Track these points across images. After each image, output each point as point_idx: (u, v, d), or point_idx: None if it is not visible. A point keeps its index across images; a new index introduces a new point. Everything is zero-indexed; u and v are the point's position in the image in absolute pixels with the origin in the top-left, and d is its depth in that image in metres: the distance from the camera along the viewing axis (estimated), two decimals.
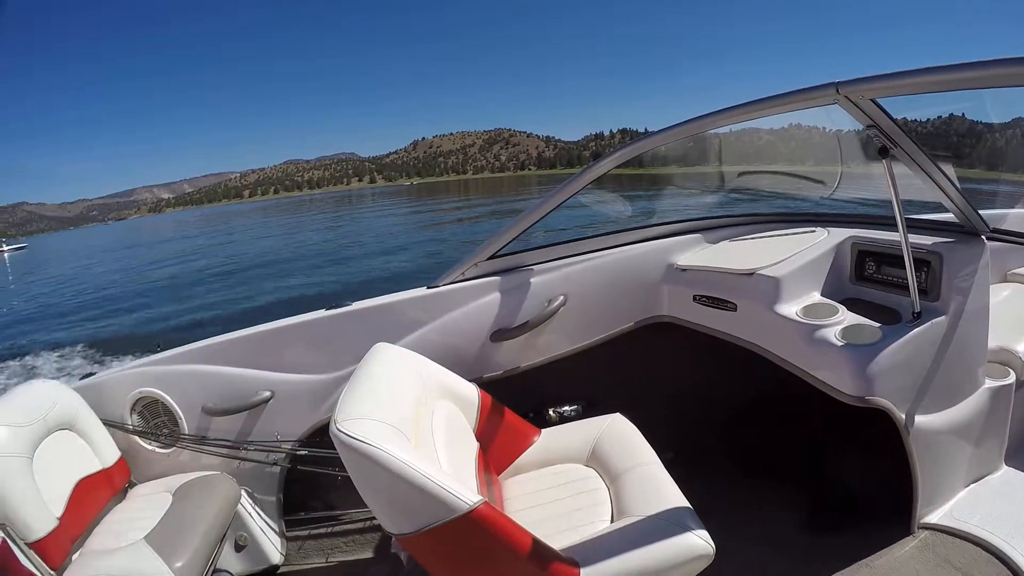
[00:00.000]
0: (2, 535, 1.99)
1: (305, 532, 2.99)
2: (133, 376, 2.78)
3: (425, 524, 1.52)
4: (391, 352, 2.15)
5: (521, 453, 2.37)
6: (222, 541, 2.52)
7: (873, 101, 1.78)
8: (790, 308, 2.34)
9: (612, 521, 1.92)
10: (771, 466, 2.88)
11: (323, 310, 2.84)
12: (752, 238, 2.98)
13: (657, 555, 1.66)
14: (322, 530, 2.99)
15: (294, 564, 2.91)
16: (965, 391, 2.18)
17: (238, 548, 2.79)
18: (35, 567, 2.02)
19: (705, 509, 1.84)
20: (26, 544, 2.03)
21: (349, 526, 2.98)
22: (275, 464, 2.83)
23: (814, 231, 2.72)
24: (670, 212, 3.40)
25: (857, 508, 2.43)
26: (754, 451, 3.01)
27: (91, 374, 2.87)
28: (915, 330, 2.02)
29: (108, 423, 2.68)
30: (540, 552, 1.60)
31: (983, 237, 2.16)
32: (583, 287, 2.89)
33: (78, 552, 2.26)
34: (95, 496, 2.48)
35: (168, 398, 2.77)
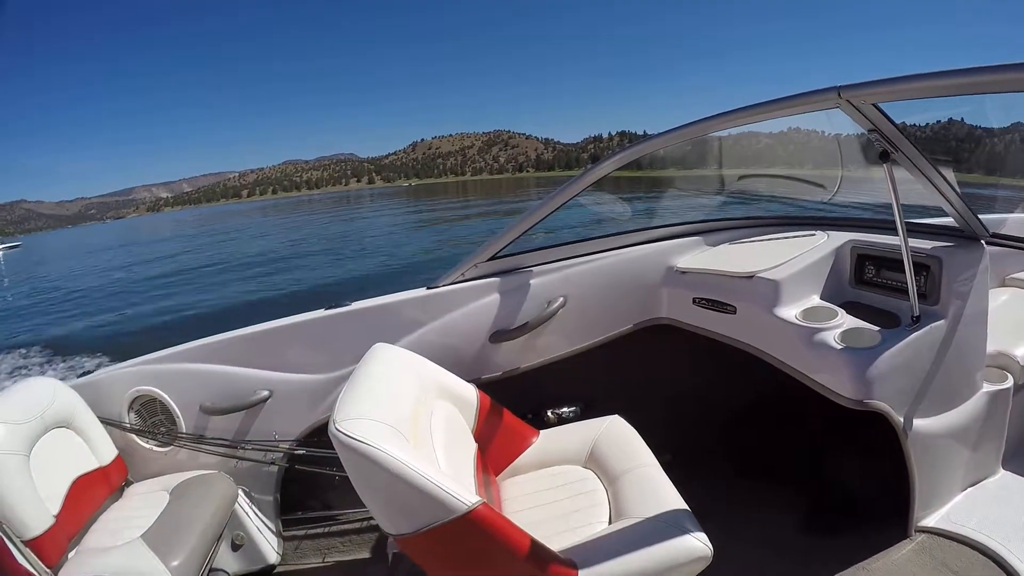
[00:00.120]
0: None
1: (302, 532, 2.98)
2: (131, 374, 2.77)
3: (423, 525, 1.52)
4: (390, 352, 2.14)
5: (519, 454, 2.37)
6: (219, 540, 2.52)
7: (875, 105, 1.78)
8: (789, 311, 2.34)
9: (610, 523, 1.92)
10: (769, 468, 2.88)
11: (322, 310, 2.84)
12: (752, 241, 2.99)
13: (655, 557, 1.66)
14: (319, 530, 2.98)
15: (291, 564, 2.91)
16: (963, 395, 2.18)
17: (235, 547, 2.78)
18: (31, 565, 2.01)
19: (703, 511, 1.84)
20: (22, 542, 2.03)
21: (346, 526, 2.98)
22: (272, 464, 2.83)
23: (814, 235, 2.72)
24: (670, 215, 3.40)
25: (855, 511, 2.43)
26: (752, 453, 3.01)
27: (89, 372, 2.86)
28: (914, 334, 2.03)
29: (105, 421, 2.67)
30: (538, 553, 1.60)
31: (983, 242, 2.17)
32: (583, 289, 2.90)
33: (74, 550, 2.25)
34: (92, 494, 2.47)
35: (166, 397, 2.76)
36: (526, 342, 2.87)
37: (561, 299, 2.86)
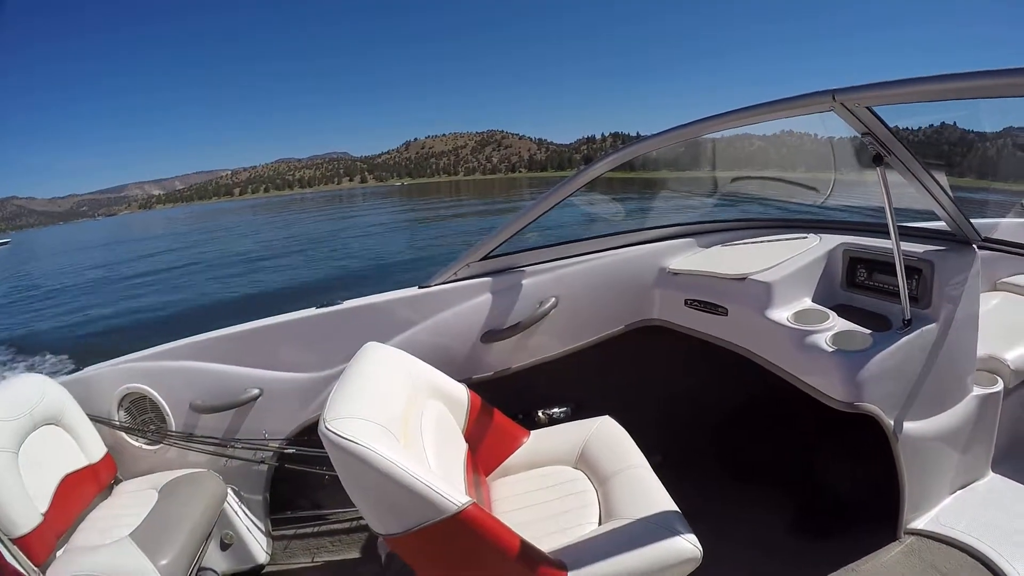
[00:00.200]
0: None
1: (291, 531, 2.97)
2: (121, 372, 2.76)
3: (413, 524, 1.51)
4: (381, 351, 2.14)
5: (510, 454, 2.37)
6: (208, 539, 2.51)
7: (869, 109, 1.79)
8: (781, 313, 2.34)
9: (600, 524, 1.92)
10: (760, 470, 2.89)
11: (313, 308, 2.83)
12: (744, 243, 2.99)
13: (645, 558, 1.66)
14: (308, 529, 2.98)
15: (280, 563, 2.90)
16: (953, 398, 2.19)
17: (224, 547, 2.78)
18: (19, 563, 2.00)
19: (693, 512, 1.84)
20: (10, 540, 2.02)
21: (336, 526, 2.97)
22: (262, 462, 2.82)
23: (806, 237, 2.73)
24: (663, 216, 3.40)
25: (845, 512, 2.44)
26: (743, 455, 3.02)
27: (78, 368, 2.85)
28: (905, 337, 2.03)
29: (95, 419, 2.66)
30: (527, 554, 1.59)
31: (974, 246, 2.17)
32: (575, 289, 2.89)
33: (63, 548, 2.24)
34: (81, 492, 2.46)
35: (156, 394, 2.75)
36: (518, 342, 2.87)
37: (553, 299, 2.85)
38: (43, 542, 2.13)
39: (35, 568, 2.05)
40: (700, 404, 3.06)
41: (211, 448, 2.78)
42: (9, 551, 2.00)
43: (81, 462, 2.51)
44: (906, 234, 2.31)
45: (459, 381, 2.36)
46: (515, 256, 2.90)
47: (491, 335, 2.83)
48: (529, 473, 2.29)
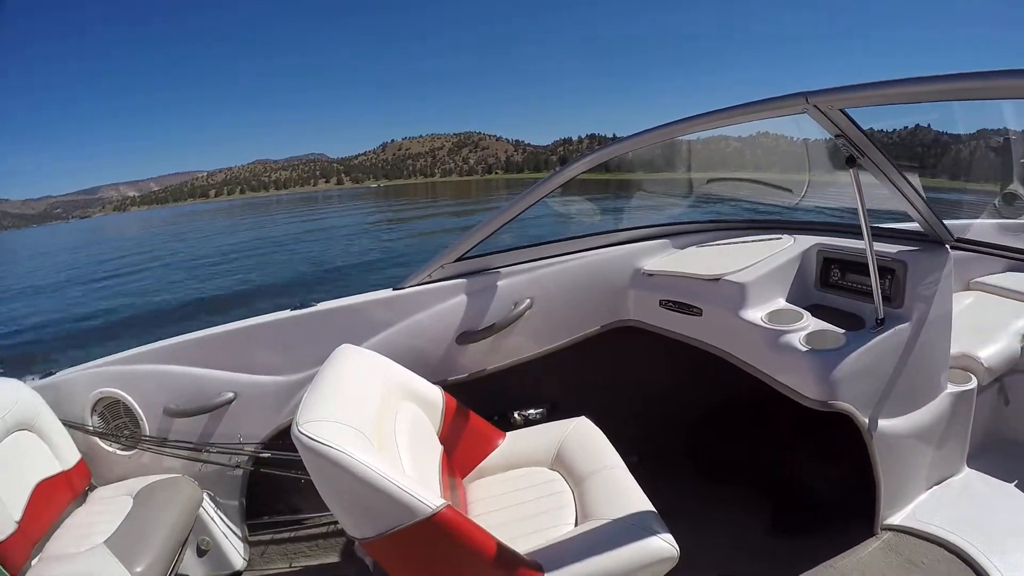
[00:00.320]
0: None
1: (268, 536, 2.95)
2: (94, 376, 2.72)
3: (388, 528, 1.51)
4: (355, 354, 2.13)
5: (485, 456, 2.36)
6: (184, 545, 2.48)
7: (842, 111, 1.81)
8: (755, 313, 2.36)
9: (576, 524, 1.92)
10: (736, 469, 2.90)
11: (288, 311, 2.81)
12: (719, 244, 3.01)
13: (621, 558, 1.66)
14: (286, 534, 2.95)
15: (257, 569, 2.87)
16: (927, 396, 2.21)
17: (200, 553, 2.74)
18: None
19: (670, 512, 1.85)
20: None
21: (313, 530, 2.95)
22: (238, 467, 2.79)
23: (780, 238, 2.75)
24: (638, 217, 3.41)
25: (822, 510, 2.46)
26: (719, 454, 3.03)
27: (51, 373, 2.81)
28: (878, 336, 2.05)
29: (68, 424, 2.62)
30: (503, 556, 1.59)
31: (947, 246, 2.20)
32: (550, 290, 2.90)
33: (37, 556, 2.21)
34: (55, 499, 2.43)
35: (129, 399, 2.71)
36: (493, 343, 2.87)
37: (528, 300, 2.85)
38: (18, 550, 2.09)
39: None
40: (676, 404, 3.08)
41: (186, 453, 2.75)
42: None
43: (55, 468, 2.47)
44: (880, 235, 2.33)
45: (434, 383, 2.36)
46: (490, 257, 2.90)
47: (466, 336, 2.82)
48: (505, 475, 2.28)
